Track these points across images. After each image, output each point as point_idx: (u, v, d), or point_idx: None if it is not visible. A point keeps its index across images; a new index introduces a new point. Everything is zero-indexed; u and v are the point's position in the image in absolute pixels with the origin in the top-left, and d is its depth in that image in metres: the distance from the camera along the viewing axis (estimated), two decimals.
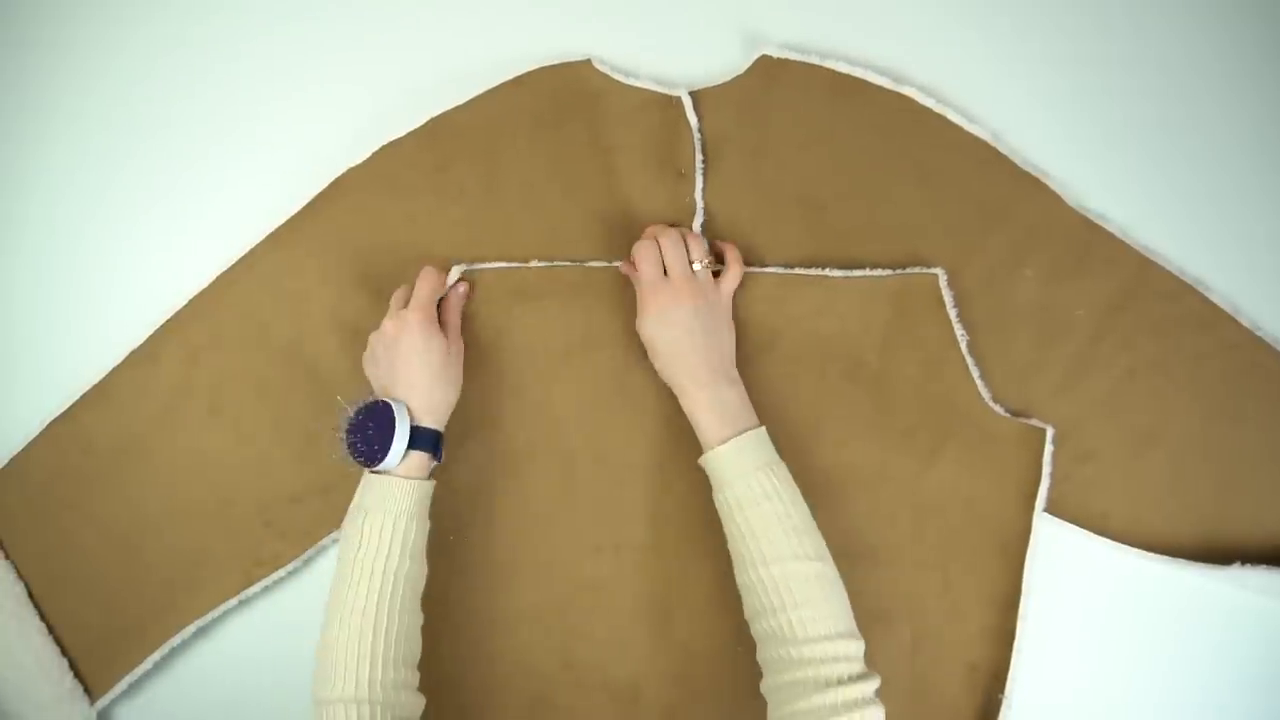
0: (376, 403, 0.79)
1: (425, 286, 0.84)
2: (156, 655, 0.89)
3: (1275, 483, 0.89)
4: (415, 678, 0.76)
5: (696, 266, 0.84)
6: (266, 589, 0.90)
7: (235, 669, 0.91)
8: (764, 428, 0.81)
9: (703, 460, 0.80)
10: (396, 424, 0.77)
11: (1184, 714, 0.90)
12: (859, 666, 0.73)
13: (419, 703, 0.76)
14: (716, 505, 0.80)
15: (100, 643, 0.89)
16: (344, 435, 0.79)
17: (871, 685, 0.72)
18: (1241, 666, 0.90)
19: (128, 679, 0.89)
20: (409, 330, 0.80)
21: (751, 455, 0.78)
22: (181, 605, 0.89)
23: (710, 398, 0.80)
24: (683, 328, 0.81)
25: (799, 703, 0.71)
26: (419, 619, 0.78)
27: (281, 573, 0.90)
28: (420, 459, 0.79)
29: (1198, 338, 0.90)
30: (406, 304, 0.83)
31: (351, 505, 0.79)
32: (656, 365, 0.83)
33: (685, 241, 0.84)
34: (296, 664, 0.88)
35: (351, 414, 0.80)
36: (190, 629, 0.89)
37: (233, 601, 0.89)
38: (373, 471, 0.78)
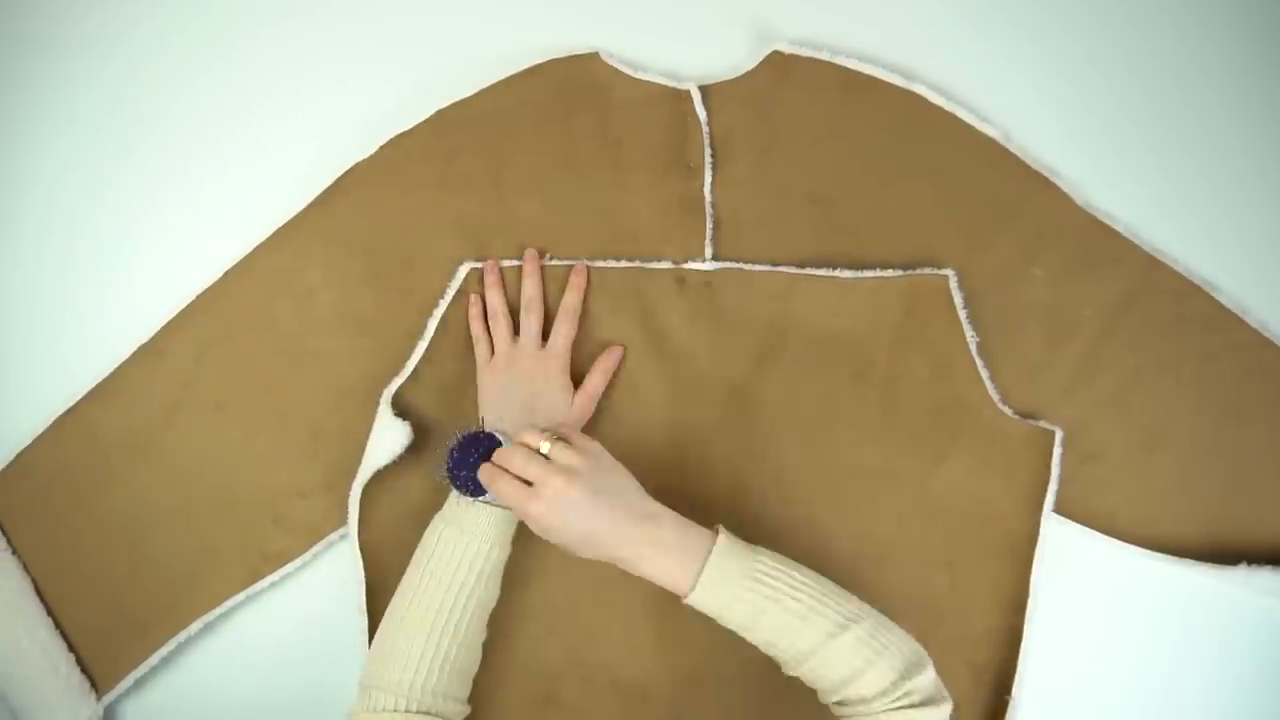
0: (488, 436, 0.79)
1: (565, 330, 0.86)
2: (163, 650, 0.89)
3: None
4: (466, 690, 0.78)
5: (545, 448, 0.74)
6: (273, 585, 0.90)
7: (241, 665, 0.91)
8: (719, 530, 0.73)
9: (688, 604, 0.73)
10: None
11: (1190, 713, 0.91)
12: (925, 694, 0.69)
13: (463, 711, 0.77)
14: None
15: (106, 638, 0.89)
16: (449, 459, 0.78)
17: (939, 711, 0.69)
18: (1248, 667, 0.90)
19: (133, 675, 0.89)
20: (549, 379, 0.84)
21: (725, 578, 0.71)
22: (187, 601, 0.89)
23: (651, 551, 0.71)
24: (579, 513, 0.71)
25: None
26: (482, 635, 0.79)
27: (289, 568, 0.89)
28: None
29: (1206, 338, 0.90)
30: (509, 316, 0.86)
31: (439, 513, 0.80)
32: (585, 552, 0.73)
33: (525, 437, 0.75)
34: (303, 660, 0.91)
35: (460, 439, 0.79)
36: (196, 625, 0.89)
37: (239, 597, 0.89)
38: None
